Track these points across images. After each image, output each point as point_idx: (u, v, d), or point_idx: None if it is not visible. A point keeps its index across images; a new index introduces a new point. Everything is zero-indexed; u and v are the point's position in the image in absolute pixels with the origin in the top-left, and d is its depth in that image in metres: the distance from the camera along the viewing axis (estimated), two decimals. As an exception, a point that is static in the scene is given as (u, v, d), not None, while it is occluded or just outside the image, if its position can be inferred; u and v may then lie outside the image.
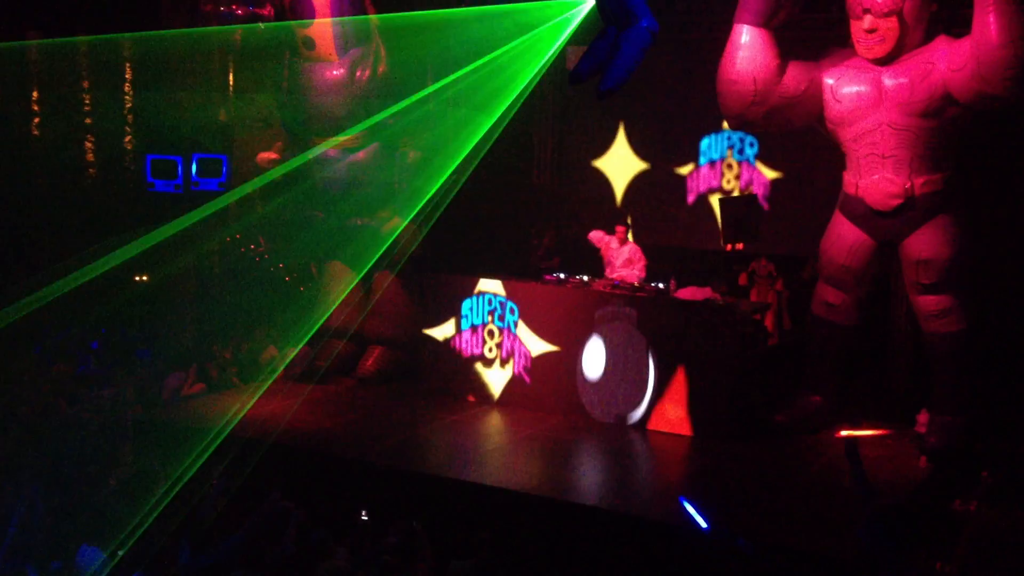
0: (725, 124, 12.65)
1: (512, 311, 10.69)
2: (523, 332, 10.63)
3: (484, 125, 11.13)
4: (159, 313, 12.21)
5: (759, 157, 12.83)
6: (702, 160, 13.10)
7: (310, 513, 6.83)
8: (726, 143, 13.02)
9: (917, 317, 9.61)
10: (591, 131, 13.84)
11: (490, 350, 10.86)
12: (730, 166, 12.95)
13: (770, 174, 12.72)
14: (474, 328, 10.96)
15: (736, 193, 12.72)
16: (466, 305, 10.99)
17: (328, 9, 10.95)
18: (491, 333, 10.84)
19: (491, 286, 10.78)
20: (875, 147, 9.27)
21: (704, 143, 13.09)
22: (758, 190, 12.75)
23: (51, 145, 13.08)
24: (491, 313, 10.83)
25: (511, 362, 10.74)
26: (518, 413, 10.51)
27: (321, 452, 9.39)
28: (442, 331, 11.14)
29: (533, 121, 13.98)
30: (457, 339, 11.05)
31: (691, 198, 13.16)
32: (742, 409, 9.84)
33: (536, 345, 10.64)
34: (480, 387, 10.96)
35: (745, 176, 12.90)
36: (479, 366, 10.92)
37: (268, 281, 13.23)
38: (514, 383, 10.77)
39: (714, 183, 13.03)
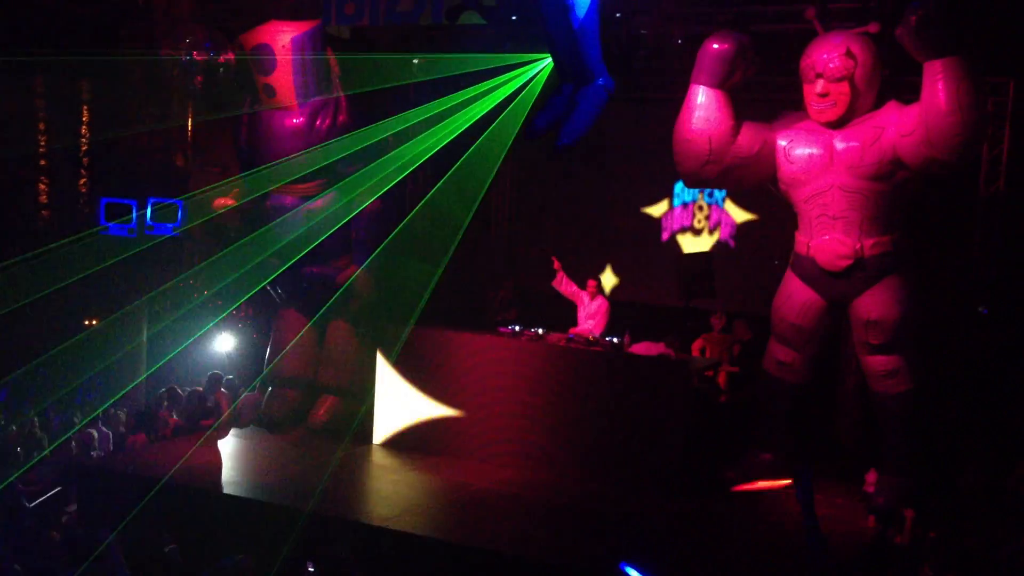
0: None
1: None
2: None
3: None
4: (104, 359, 12.06)
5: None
6: (672, 203, 13.30)
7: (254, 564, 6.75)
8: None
9: (866, 377, 9.71)
10: (548, 183, 13.94)
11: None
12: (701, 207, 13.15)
13: (740, 216, 12.92)
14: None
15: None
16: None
17: (290, 57, 10.98)
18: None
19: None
20: (826, 208, 9.42)
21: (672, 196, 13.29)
22: (726, 230, 12.93)
23: (4, 183, 12.97)
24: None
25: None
26: (472, 465, 10.45)
27: (270, 503, 9.26)
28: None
29: (492, 171, 14.05)
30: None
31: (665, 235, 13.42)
32: (693, 465, 9.85)
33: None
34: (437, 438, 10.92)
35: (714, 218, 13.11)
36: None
37: (220, 328, 13.12)
38: (462, 433, 10.74)
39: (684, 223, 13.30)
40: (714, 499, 9.75)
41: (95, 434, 10.74)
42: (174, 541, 7.53)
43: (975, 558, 8.13)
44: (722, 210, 13.07)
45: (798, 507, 8.97)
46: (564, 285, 11.44)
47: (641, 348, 10.38)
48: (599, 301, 11.34)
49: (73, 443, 10.57)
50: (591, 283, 11.40)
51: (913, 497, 9.18)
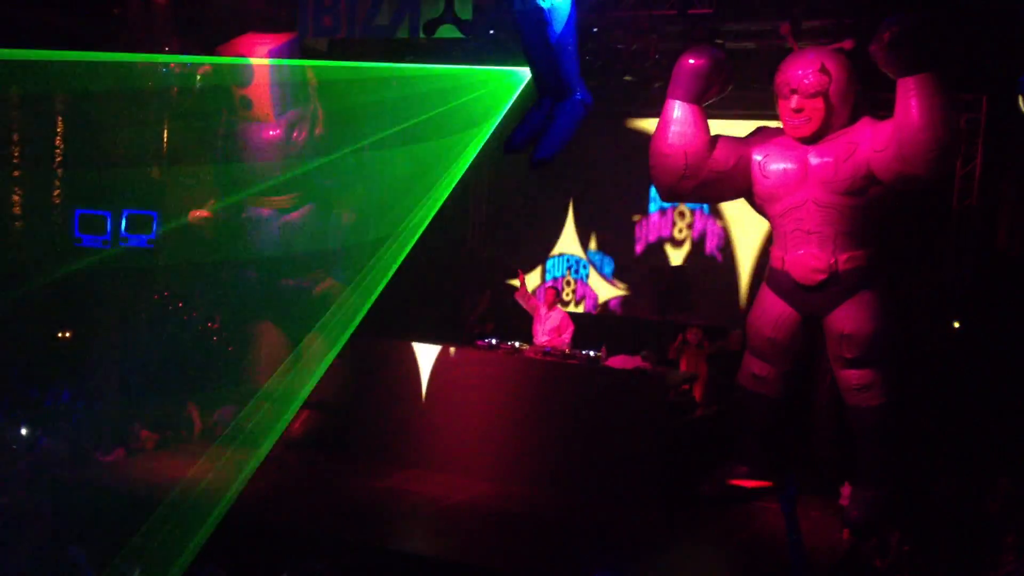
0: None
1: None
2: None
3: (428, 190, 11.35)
4: (79, 372, 11.95)
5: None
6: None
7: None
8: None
9: (841, 390, 9.76)
10: (526, 195, 13.97)
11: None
12: (681, 214, 13.06)
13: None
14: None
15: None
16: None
17: (267, 69, 10.96)
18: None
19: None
20: (800, 223, 9.48)
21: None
22: (712, 241, 12.83)
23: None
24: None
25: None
26: (448, 478, 10.43)
27: (244, 516, 9.20)
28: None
29: (468, 184, 14.07)
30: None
31: (639, 247, 13.31)
32: (669, 479, 9.86)
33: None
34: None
35: (699, 226, 12.92)
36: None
37: (195, 340, 13.02)
38: (438, 447, 10.71)
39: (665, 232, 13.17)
40: (691, 512, 9.76)
41: (62, 446, 10.65)
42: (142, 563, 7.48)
43: (949, 571, 8.19)
44: (708, 217, 12.85)
45: (776, 520, 9.02)
46: (525, 299, 11.46)
47: (617, 361, 10.40)
48: (558, 313, 11.34)
49: (41, 455, 10.46)
50: (550, 292, 11.43)
51: (888, 511, 9.22)
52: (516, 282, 12.06)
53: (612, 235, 13.45)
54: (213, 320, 13.36)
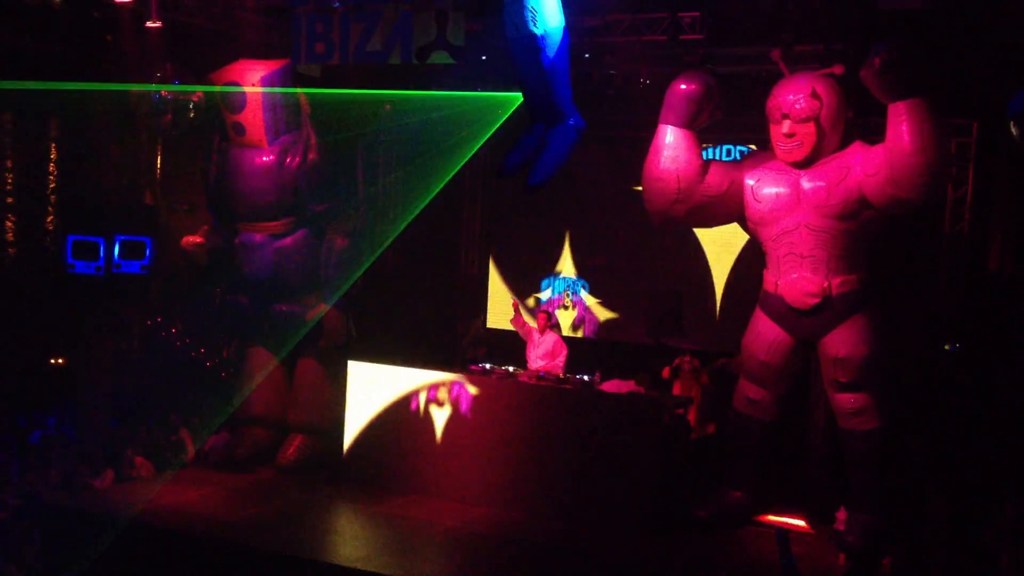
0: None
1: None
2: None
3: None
4: (72, 398, 11.91)
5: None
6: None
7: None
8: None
9: (835, 415, 9.76)
10: (518, 220, 13.99)
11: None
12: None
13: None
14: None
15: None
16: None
17: (260, 95, 10.99)
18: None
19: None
20: (793, 247, 9.51)
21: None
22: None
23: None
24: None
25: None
26: (443, 504, 10.38)
27: (240, 543, 9.15)
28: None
29: (461, 209, 14.11)
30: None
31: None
32: (664, 503, 9.84)
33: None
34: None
35: None
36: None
37: (187, 366, 13.01)
38: (433, 472, 10.67)
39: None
40: (686, 537, 9.73)
41: (52, 473, 10.59)
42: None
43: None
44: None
45: (770, 545, 9.00)
46: (519, 324, 11.46)
47: (611, 386, 10.39)
48: (551, 336, 11.34)
49: (32, 480, 10.41)
50: (542, 316, 11.43)
51: (883, 535, 9.20)
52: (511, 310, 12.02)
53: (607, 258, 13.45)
54: (206, 346, 13.34)
